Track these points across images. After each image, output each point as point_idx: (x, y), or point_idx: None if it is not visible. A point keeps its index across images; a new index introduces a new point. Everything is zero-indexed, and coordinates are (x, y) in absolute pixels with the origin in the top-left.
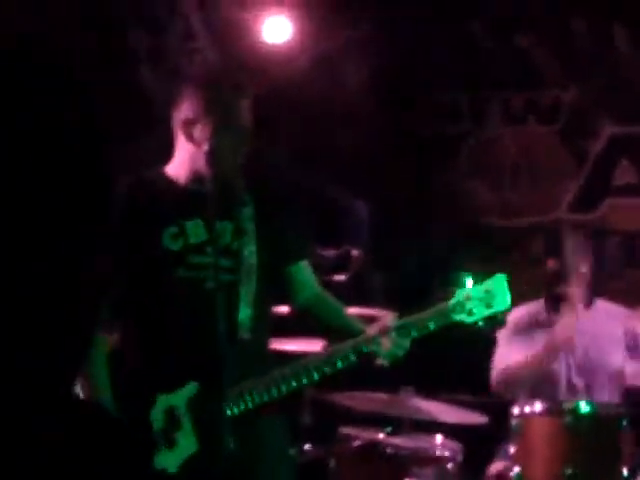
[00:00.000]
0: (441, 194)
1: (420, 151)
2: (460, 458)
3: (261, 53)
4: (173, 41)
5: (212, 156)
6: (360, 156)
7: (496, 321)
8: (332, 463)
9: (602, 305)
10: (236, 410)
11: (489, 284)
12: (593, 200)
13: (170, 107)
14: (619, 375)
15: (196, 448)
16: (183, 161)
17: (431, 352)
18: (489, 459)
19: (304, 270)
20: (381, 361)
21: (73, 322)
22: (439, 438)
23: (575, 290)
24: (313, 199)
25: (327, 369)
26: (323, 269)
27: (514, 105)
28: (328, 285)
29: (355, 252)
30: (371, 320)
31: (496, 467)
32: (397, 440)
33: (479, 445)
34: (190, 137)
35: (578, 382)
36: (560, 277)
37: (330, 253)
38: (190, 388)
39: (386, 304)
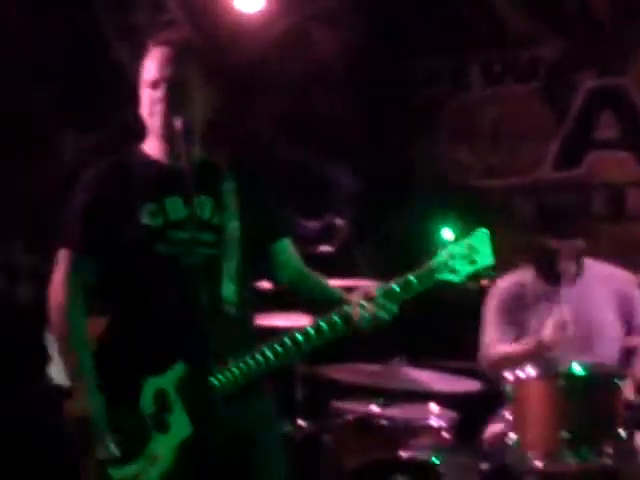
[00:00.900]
0: (422, 159)
1: (401, 117)
2: (456, 426)
3: (234, 23)
4: (143, 15)
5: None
6: (340, 125)
7: (481, 278)
8: (326, 437)
9: (589, 265)
10: (225, 387)
11: (471, 240)
12: (576, 155)
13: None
14: (614, 334)
15: (190, 430)
16: (152, 136)
17: (420, 321)
18: (485, 425)
19: (287, 247)
20: (368, 325)
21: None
22: (433, 407)
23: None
24: (296, 170)
25: (314, 336)
26: (308, 240)
27: (493, 66)
28: (314, 256)
29: (340, 222)
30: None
31: (492, 430)
32: (391, 411)
33: (475, 412)
34: (155, 102)
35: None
36: (559, 254)
37: (315, 224)
38: (178, 369)
39: (373, 274)
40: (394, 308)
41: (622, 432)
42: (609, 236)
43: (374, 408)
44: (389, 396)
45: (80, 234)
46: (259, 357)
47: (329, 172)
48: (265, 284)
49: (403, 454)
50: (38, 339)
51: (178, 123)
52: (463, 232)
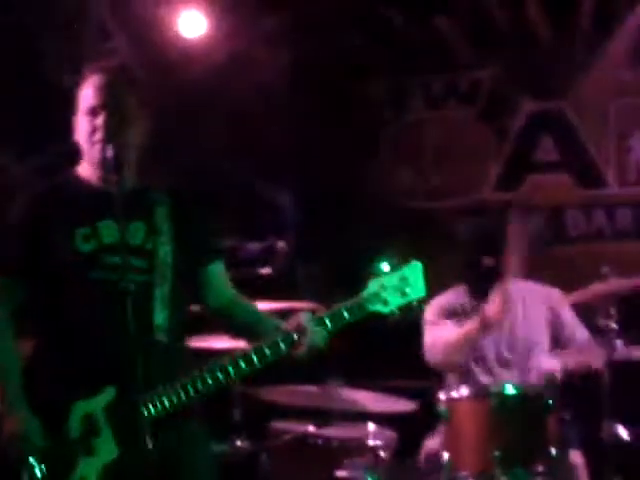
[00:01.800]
0: (365, 181)
1: (342, 139)
2: (393, 445)
3: (178, 48)
4: (88, 43)
5: (117, 157)
6: (282, 147)
7: (412, 310)
8: (264, 458)
9: (526, 285)
10: (154, 413)
11: (404, 272)
12: (516, 178)
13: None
14: (544, 349)
15: (116, 454)
16: (89, 163)
17: (356, 341)
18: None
19: (217, 271)
20: (300, 353)
21: None
22: (371, 427)
23: (510, 260)
24: (237, 192)
25: (244, 366)
26: (249, 262)
27: (434, 89)
28: (254, 278)
29: (280, 244)
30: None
31: (429, 445)
32: (328, 431)
33: (411, 431)
34: (92, 130)
35: (509, 357)
36: (495, 273)
37: (255, 246)
38: (107, 393)
39: (314, 297)
40: (324, 338)
41: (554, 451)
42: (548, 257)
43: (311, 428)
44: (326, 416)
45: (10, 257)
46: (189, 384)
47: (271, 194)
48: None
49: (340, 474)
50: None
51: (109, 152)
52: (398, 263)
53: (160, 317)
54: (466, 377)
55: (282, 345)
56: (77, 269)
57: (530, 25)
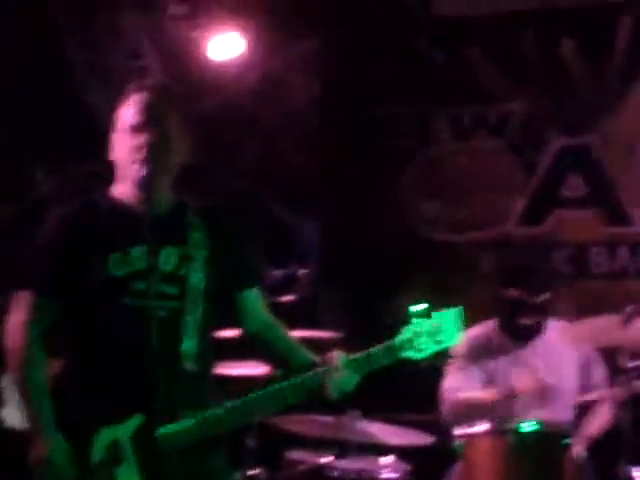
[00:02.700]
0: (389, 211)
1: (369, 168)
2: (409, 479)
3: (209, 71)
4: (118, 60)
5: (149, 177)
6: (308, 174)
7: (444, 355)
8: None
9: (553, 326)
10: (180, 443)
11: (438, 319)
12: (541, 213)
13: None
14: (572, 394)
15: None
16: (126, 183)
17: (374, 373)
18: (439, 478)
19: (255, 297)
20: (330, 395)
21: None
22: (386, 460)
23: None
24: (261, 218)
25: (275, 406)
26: (271, 290)
27: (463, 120)
28: (275, 306)
29: (302, 272)
30: (319, 342)
31: None
32: (343, 463)
33: (428, 465)
34: (134, 148)
35: (537, 413)
36: (520, 306)
37: (278, 273)
38: (134, 421)
39: (335, 325)
40: (355, 381)
41: None
42: (572, 294)
43: (327, 459)
44: (342, 448)
45: (44, 275)
46: (215, 416)
47: (294, 221)
48: (229, 333)
49: None
50: None
51: (145, 171)
52: (432, 309)
53: (189, 345)
54: None
55: (315, 385)
56: (109, 294)
57: (563, 60)
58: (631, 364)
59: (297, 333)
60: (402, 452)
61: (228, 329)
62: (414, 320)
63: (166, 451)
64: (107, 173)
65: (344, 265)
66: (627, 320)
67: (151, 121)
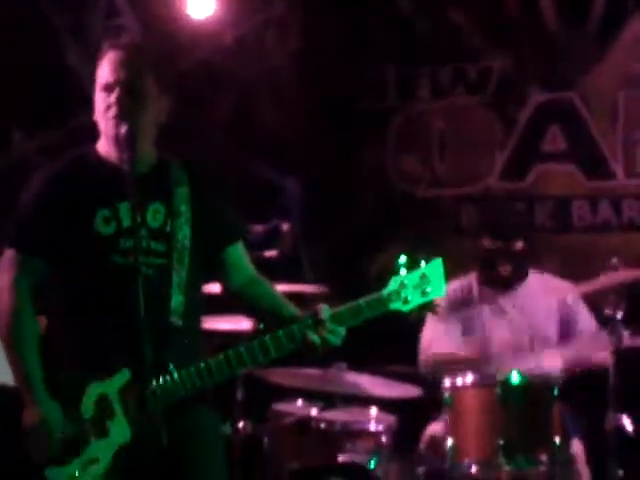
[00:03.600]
0: (371, 168)
1: (348, 126)
2: (394, 430)
3: (186, 29)
4: (95, 19)
5: (131, 134)
6: (287, 131)
7: (430, 308)
8: (266, 440)
9: (535, 278)
10: (168, 397)
11: (424, 270)
12: (523, 167)
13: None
14: (554, 343)
15: (129, 437)
16: (106, 140)
17: (360, 325)
18: (424, 428)
19: (239, 252)
20: (315, 348)
21: None
22: (373, 411)
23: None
24: (243, 175)
25: (260, 358)
26: (253, 245)
27: (442, 78)
28: (258, 261)
29: (285, 227)
30: (303, 296)
31: (431, 430)
32: (330, 415)
33: (414, 417)
34: (107, 107)
35: (519, 364)
36: (495, 256)
37: (259, 229)
38: (122, 376)
39: (317, 279)
40: (342, 332)
41: (557, 440)
42: (555, 248)
43: (314, 411)
44: (329, 400)
45: (30, 234)
46: (204, 370)
47: (275, 177)
48: (214, 288)
49: (341, 458)
50: None
51: (122, 130)
52: (418, 260)
53: (176, 301)
54: None
55: (299, 337)
56: (97, 252)
57: (541, 16)
58: (617, 313)
59: (280, 287)
60: (389, 404)
61: (212, 284)
62: (401, 272)
63: (154, 406)
64: (89, 130)
65: (326, 220)
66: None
67: (123, 79)
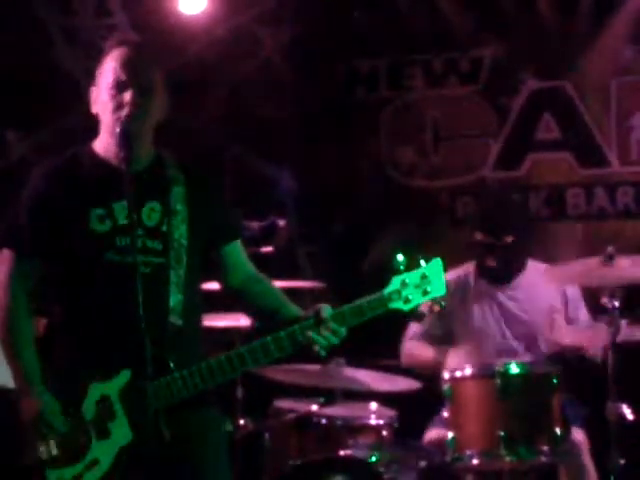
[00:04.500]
0: (365, 159)
1: (342, 117)
2: (395, 425)
3: (178, 25)
4: (87, 18)
5: (132, 134)
6: (282, 125)
7: (432, 307)
8: (267, 436)
9: (533, 269)
10: (169, 398)
11: (425, 269)
12: (517, 157)
13: (89, 83)
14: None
15: (130, 438)
16: (109, 138)
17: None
18: (425, 424)
19: (237, 250)
20: (317, 349)
21: None
22: (373, 406)
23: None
24: (238, 170)
25: (262, 358)
26: (249, 241)
27: (435, 67)
28: (254, 257)
29: (281, 223)
30: (300, 292)
31: (431, 435)
32: (330, 410)
33: (414, 411)
34: (118, 106)
35: (517, 346)
36: (485, 249)
37: (255, 225)
38: (122, 377)
39: (314, 275)
40: (343, 332)
41: (558, 430)
42: (550, 236)
43: (314, 407)
44: (329, 395)
45: (26, 234)
46: (204, 370)
47: (271, 172)
48: (211, 285)
49: (342, 453)
50: None
51: (132, 128)
52: (418, 260)
53: (175, 300)
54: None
55: (301, 338)
56: (92, 251)
57: (533, 5)
58: (613, 302)
59: (277, 283)
60: (389, 398)
61: (211, 282)
62: (401, 271)
63: (155, 406)
64: (85, 129)
65: (321, 214)
66: (608, 261)
67: (133, 78)
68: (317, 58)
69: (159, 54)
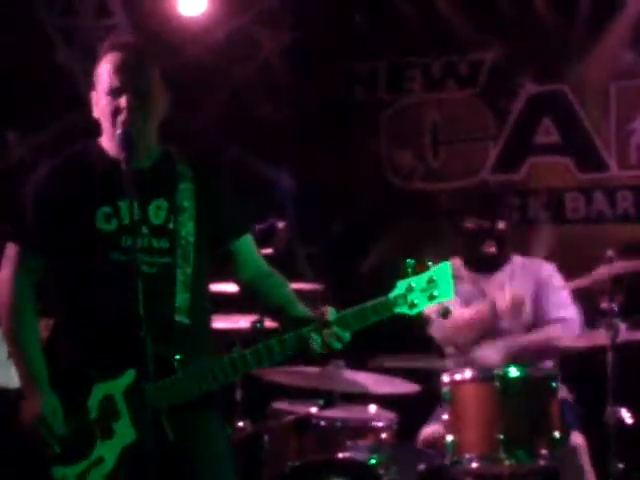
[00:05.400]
0: (364, 162)
1: (342, 120)
2: (395, 427)
3: (177, 27)
4: (86, 19)
5: (131, 137)
6: (281, 128)
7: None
8: (266, 438)
9: (518, 260)
10: (174, 398)
11: (432, 273)
12: (515, 160)
13: (89, 84)
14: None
15: (134, 437)
16: (110, 141)
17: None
18: (424, 425)
19: (248, 244)
20: (317, 353)
21: None
22: (372, 408)
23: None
24: (237, 172)
25: (265, 362)
26: None
27: (434, 70)
28: None
29: (281, 225)
30: (300, 294)
31: (426, 431)
32: (330, 413)
33: (413, 413)
34: (115, 111)
35: (505, 325)
36: (480, 235)
37: (255, 227)
38: (126, 377)
39: (313, 277)
40: (347, 337)
41: (557, 434)
42: (549, 240)
43: (313, 409)
44: (328, 398)
45: (32, 230)
46: (207, 372)
47: (270, 174)
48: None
49: (341, 455)
50: None
51: (130, 131)
52: (426, 263)
53: (181, 299)
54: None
55: (305, 341)
56: (97, 249)
57: (532, 8)
58: (612, 306)
59: None
60: (388, 401)
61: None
62: (408, 274)
63: (159, 406)
64: (85, 130)
65: (321, 216)
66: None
67: (129, 83)
68: (316, 60)
69: (156, 53)
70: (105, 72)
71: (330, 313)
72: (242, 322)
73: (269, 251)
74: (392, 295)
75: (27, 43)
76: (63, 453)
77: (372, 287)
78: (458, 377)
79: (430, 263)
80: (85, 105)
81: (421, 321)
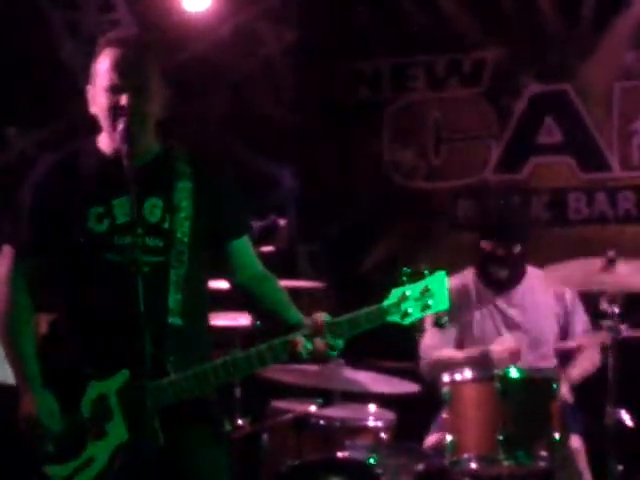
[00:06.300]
0: (366, 160)
1: (344, 118)
2: (394, 427)
3: (181, 22)
4: (90, 13)
5: (129, 134)
6: (284, 124)
7: (441, 324)
8: (265, 437)
9: (533, 274)
10: (165, 399)
11: (427, 283)
12: (518, 160)
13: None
14: (552, 339)
15: (126, 437)
16: (108, 138)
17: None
18: (424, 426)
19: (244, 246)
20: (305, 360)
21: None
22: (372, 408)
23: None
24: (239, 169)
25: (257, 366)
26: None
27: (437, 69)
28: None
29: (281, 222)
30: (300, 292)
31: (430, 440)
32: (329, 412)
33: (413, 413)
34: (113, 107)
35: (526, 357)
36: (492, 258)
37: (256, 224)
38: (120, 376)
39: (313, 274)
40: (340, 344)
41: (557, 435)
42: (551, 240)
43: (312, 408)
44: (327, 396)
45: (26, 233)
46: (200, 375)
47: (272, 171)
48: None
49: (340, 454)
50: None
51: (129, 128)
52: (421, 272)
53: (174, 300)
54: None
55: (292, 349)
56: (91, 250)
57: (536, 7)
58: (613, 308)
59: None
60: (388, 400)
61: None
62: (403, 282)
63: (151, 407)
64: (86, 126)
65: (323, 214)
66: (609, 264)
67: (127, 80)
68: (319, 58)
69: (158, 49)
70: (104, 69)
71: (323, 320)
72: (241, 320)
73: (270, 248)
74: (386, 303)
75: (30, 37)
76: (56, 452)
77: (372, 285)
78: (458, 377)
79: (426, 271)
80: (85, 101)
81: (438, 324)
